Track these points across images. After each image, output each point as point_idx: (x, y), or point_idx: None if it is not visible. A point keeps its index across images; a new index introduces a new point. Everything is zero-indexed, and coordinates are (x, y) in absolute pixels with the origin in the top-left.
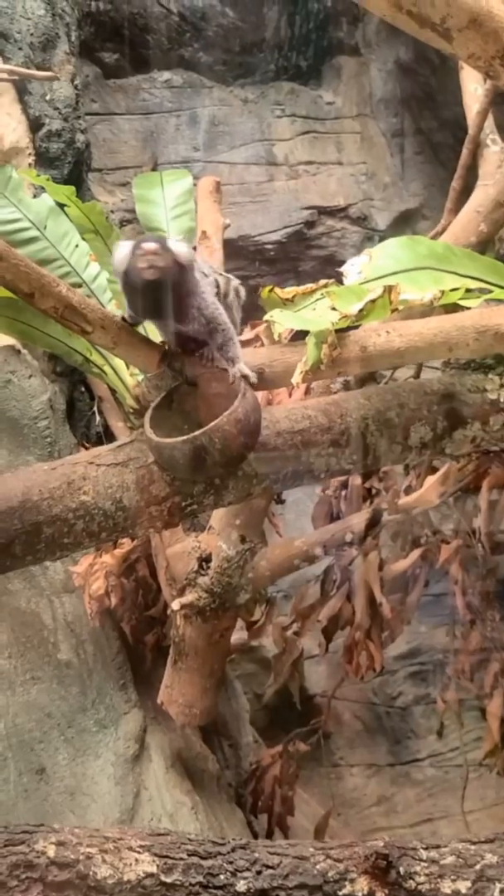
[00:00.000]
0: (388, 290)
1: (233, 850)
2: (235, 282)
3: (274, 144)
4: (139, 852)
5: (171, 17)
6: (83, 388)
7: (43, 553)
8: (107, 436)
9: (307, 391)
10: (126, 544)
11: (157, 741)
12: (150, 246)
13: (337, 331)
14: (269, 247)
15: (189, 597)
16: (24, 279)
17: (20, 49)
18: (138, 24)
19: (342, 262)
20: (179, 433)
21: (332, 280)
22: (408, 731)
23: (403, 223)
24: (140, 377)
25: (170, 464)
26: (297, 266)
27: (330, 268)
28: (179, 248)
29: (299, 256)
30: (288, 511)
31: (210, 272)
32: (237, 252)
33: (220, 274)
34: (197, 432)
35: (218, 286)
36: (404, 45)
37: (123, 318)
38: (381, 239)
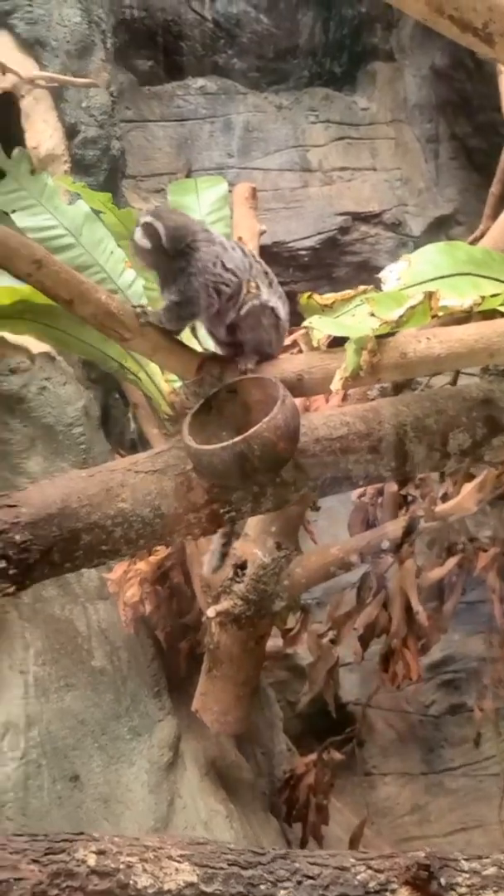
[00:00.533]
0: (428, 296)
1: (273, 860)
2: (273, 301)
3: (308, 150)
4: (179, 861)
5: (205, 24)
6: (117, 395)
7: (81, 560)
8: (141, 442)
9: (344, 398)
10: (160, 551)
11: (192, 749)
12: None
13: (376, 337)
14: (303, 253)
15: (224, 604)
16: (63, 286)
17: (56, 57)
18: (172, 31)
19: (376, 269)
20: (218, 440)
21: (370, 286)
22: (441, 739)
23: (438, 229)
24: (175, 384)
25: (208, 471)
26: (330, 272)
27: (364, 274)
28: (137, 234)
29: (333, 263)
30: (321, 518)
31: (243, 265)
32: (271, 258)
33: (268, 287)
34: (236, 439)
35: (236, 287)
36: (439, 50)
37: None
38: (416, 245)
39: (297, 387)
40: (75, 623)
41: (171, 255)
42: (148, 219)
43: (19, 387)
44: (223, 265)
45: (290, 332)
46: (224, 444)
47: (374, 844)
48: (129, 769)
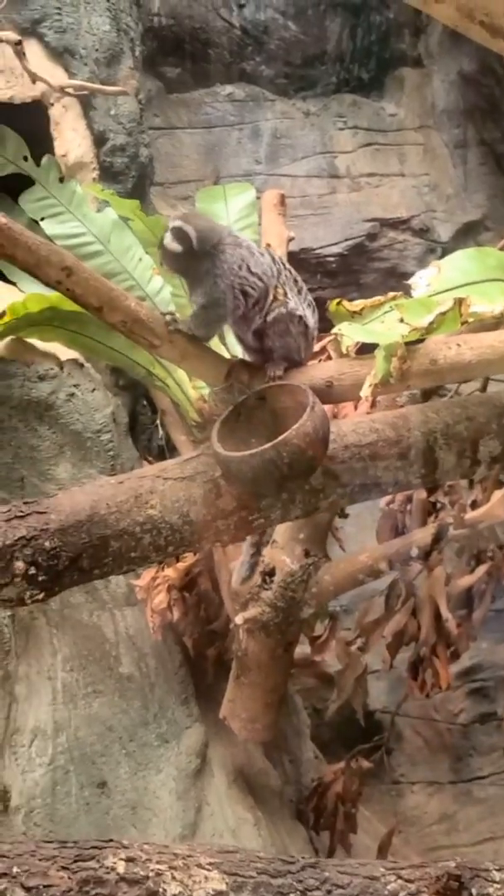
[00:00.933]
0: (459, 302)
1: (302, 868)
2: (301, 310)
3: (336, 157)
4: (208, 870)
5: (232, 31)
6: (145, 402)
7: (110, 567)
8: (168, 449)
9: (373, 405)
10: (188, 558)
11: (219, 756)
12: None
13: (406, 344)
14: (331, 259)
15: (252, 611)
16: (93, 293)
17: (85, 65)
18: (200, 38)
19: (404, 275)
20: (246, 447)
21: (400, 293)
22: (469, 748)
23: (466, 235)
24: (203, 390)
25: (238, 478)
26: (358, 279)
27: (392, 280)
28: (167, 238)
29: (361, 269)
30: (348, 524)
31: (270, 271)
32: (299, 265)
33: (297, 292)
34: (265, 446)
35: (262, 292)
36: (467, 56)
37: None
38: (444, 251)
39: (327, 393)
40: (103, 629)
41: (199, 257)
42: (178, 223)
43: (48, 393)
44: (249, 268)
45: (319, 339)
46: (253, 451)
47: (401, 853)
48: (157, 776)
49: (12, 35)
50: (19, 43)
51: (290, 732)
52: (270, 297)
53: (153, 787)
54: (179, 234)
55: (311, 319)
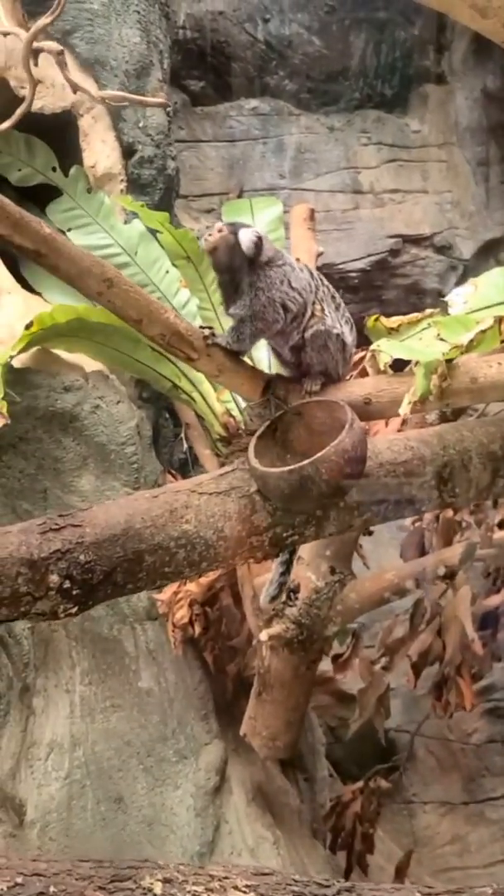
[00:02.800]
0: (499, 320)
1: (338, 892)
2: (339, 327)
3: (360, 172)
4: (245, 892)
5: (257, 45)
6: (168, 415)
7: (144, 582)
8: (191, 463)
9: (403, 422)
10: (211, 573)
11: (238, 773)
12: (217, 225)
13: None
14: (354, 275)
15: (276, 628)
16: (133, 305)
17: (116, 76)
18: (225, 52)
19: (425, 292)
20: (282, 463)
21: (437, 309)
22: (482, 768)
23: (487, 252)
24: (229, 404)
25: (274, 494)
26: (380, 295)
27: (413, 297)
28: (245, 235)
29: (383, 285)
30: (366, 541)
31: (309, 287)
32: None
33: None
34: (304, 462)
35: (301, 307)
36: (491, 73)
37: (227, 345)
38: (465, 268)
39: (365, 410)
40: (123, 643)
41: (250, 269)
42: (261, 232)
43: (73, 405)
44: (290, 283)
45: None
46: (291, 467)
47: (414, 874)
48: (175, 792)
49: (55, 45)
50: (61, 53)
51: (305, 750)
52: (309, 312)
53: (171, 803)
54: (257, 243)
55: (349, 336)
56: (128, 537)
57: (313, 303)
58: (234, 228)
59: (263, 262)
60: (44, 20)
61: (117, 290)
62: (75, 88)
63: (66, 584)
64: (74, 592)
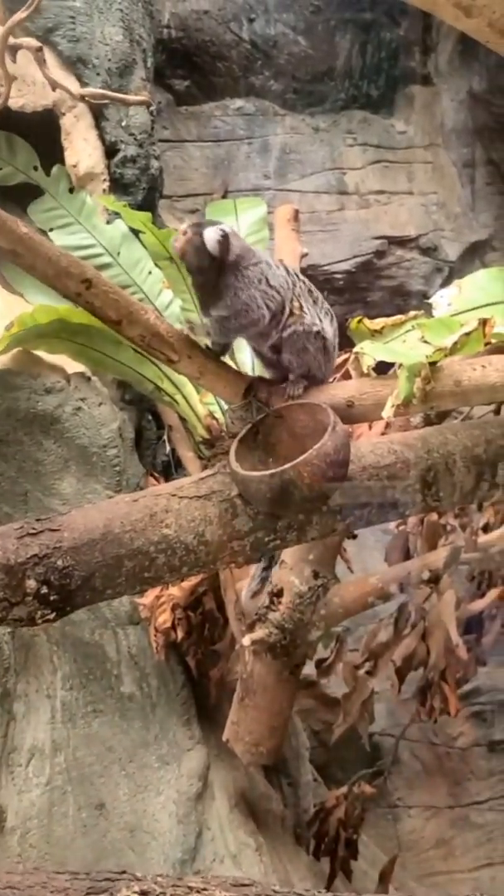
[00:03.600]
0: (483, 322)
1: None
2: (319, 324)
3: (345, 173)
4: None
5: (242, 45)
6: (150, 417)
7: (123, 587)
8: (174, 465)
9: (387, 425)
10: (193, 577)
11: (221, 779)
12: (182, 227)
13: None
14: (339, 276)
15: (259, 632)
16: (112, 306)
17: (98, 75)
18: (210, 51)
19: (411, 293)
20: (264, 466)
21: (421, 311)
22: (468, 772)
23: (473, 254)
24: (212, 406)
25: (255, 498)
26: (365, 296)
27: (398, 298)
28: (209, 235)
29: (368, 287)
30: (349, 545)
31: (286, 283)
32: None
33: (313, 305)
34: (285, 466)
35: (279, 305)
36: (477, 75)
37: (207, 347)
38: (451, 270)
39: (348, 414)
40: (105, 648)
41: (225, 269)
42: (226, 228)
43: (54, 407)
44: (268, 282)
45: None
46: (273, 470)
47: (399, 879)
48: (157, 798)
49: (33, 42)
50: (40, 50)
51: (289, 755)
52: (287, 310)
53: (153, 809)
54: (222, 241)
55: (330, 330)
56: (107, 542)
57: (291, 300)
58: (200, 229)
59: (234, 261)
60: (19, 15)
61: (96, 290)
62: (54, 86)
63: (44, 590)
64: (52, 598)
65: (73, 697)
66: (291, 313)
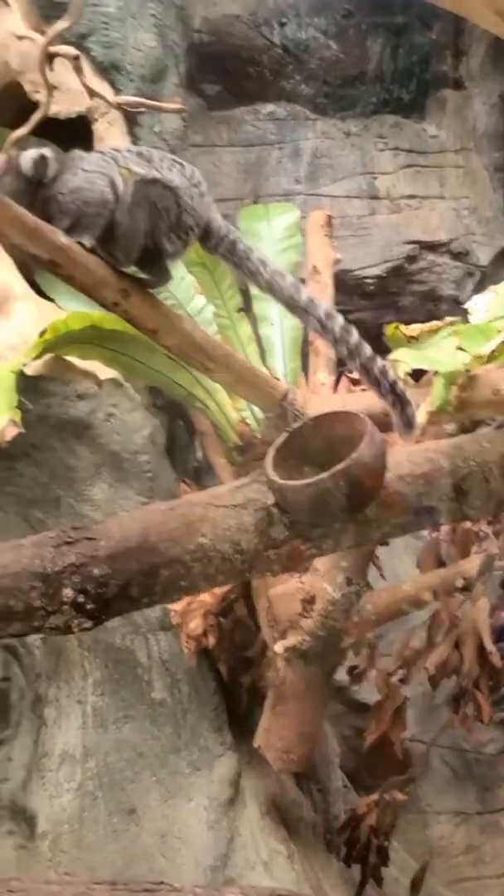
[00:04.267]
0: None
1: None
2: (156, 174)
3: (376, 178)
4: None
5: (273, 50)
6: (181, 423)
7: (159, 596)
8: (205, 471)
9: (422, 433)
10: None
11: (252, 786)
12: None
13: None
14: (369, 281)
15: (292, 639)
16: (149, 315)
17: (131, 81)
18: (241, 56)
19: (442, 298)
20: (300, 475)
21: (457, 318)
22: (497, 778)
23: None
24: (245, 413)
25: (292, 507)
26: (396, 301)
27: (429, 303)
28: (24, 158)
29: (399, 291)
30: (380, 551)
31: (104, 161)
32: (337, 286)
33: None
34: (322, 475)
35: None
36: None
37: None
38: (483, 275)
39: (384, 422)
40: (136, 654)
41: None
42: (46, 153)
43: (86, 413)
44: (85, 170)
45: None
46: (310, 480)
47: (428, 885)
48: (188, 804)
49: (71, 50)
50: (77, 58)
51: (319, 761)
52: (119, 183)
53: (184, 815)
54: (38, 161)
55: (176, 179)
56: (143, 551)
57: (119, 172)
58: (17, 155)
59: (54, 176)
60: (60, 24)
61: (133, 299)
62: (91, 94)
63: (81, 599)
64: (88, 607)
65: (104, 703)
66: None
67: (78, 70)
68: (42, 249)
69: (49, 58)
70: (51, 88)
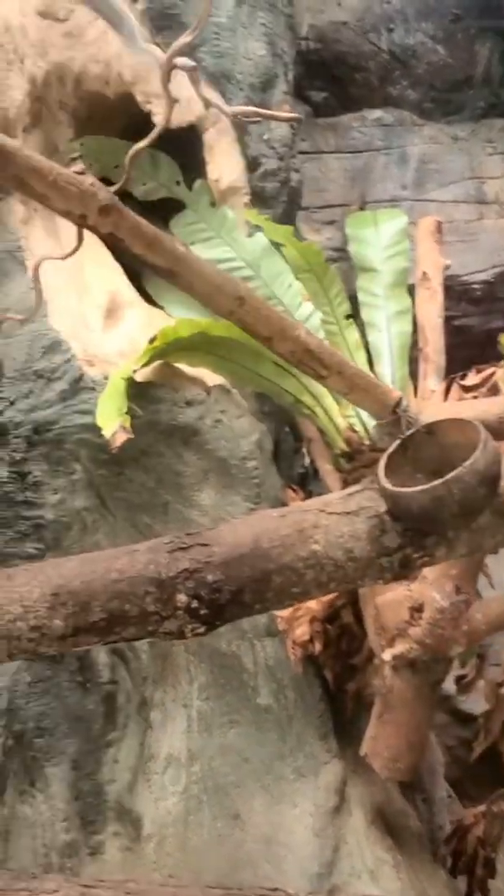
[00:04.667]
0: None
1: None
2: None
3: (484, 182)
4: None
5: (380, 55)
6: (287, 429)
7: (271, 602)
8: (311, 477)
9: None
10: None
11: (358, 794)
12: None
13: None
14: (476, 287)
15: (399, 647)
16: (264, 323)
17: (241, 90)
18: (348, 62)
19: None
20: (412, 482)
21: None
22: None
23: None
24: (352, 419)
25: (405, 514)
26: None
27: None
28: None
29: None
30: (489, 560)
31: None
32: (443, 291)
33: None
34: (436, 482)
35: None
36: None
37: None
38: None
39: (499, 430)
40: (242, 659)
41: None
42: None
43: (195, 419)
44: None
45: (478, 371)
46: (423, 487)
47: None
48: (293, 811)
49: (188, 62)
50: (195, 69)
51: (424, 770)
52: None
53: (288, 822)
54: None
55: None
56: (256, 557)
57: None
58: None
59: None
60: (184, 38)
61: (249, 307)
62: (208, 105)
63: (194, 604)
64: (202, 612)
65: (210, 708)
66: None
67: (195, 82)
68: (161, 259)
69: (169, 70)
70: (172, 103)
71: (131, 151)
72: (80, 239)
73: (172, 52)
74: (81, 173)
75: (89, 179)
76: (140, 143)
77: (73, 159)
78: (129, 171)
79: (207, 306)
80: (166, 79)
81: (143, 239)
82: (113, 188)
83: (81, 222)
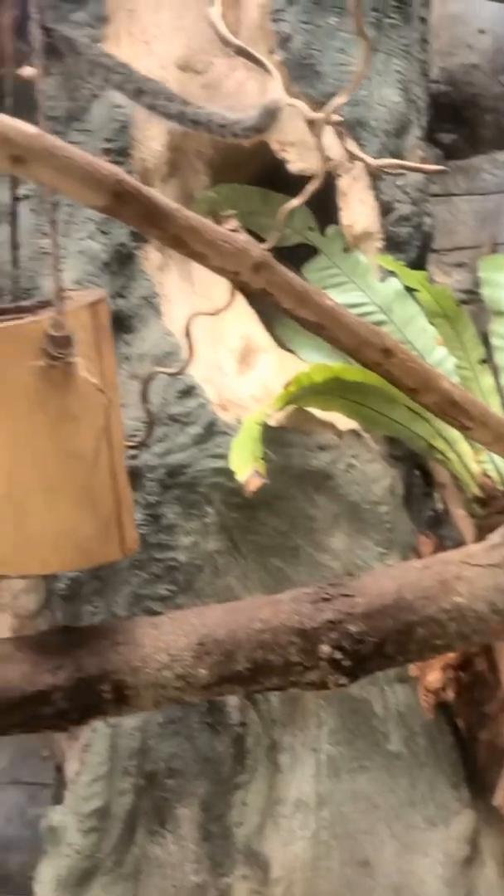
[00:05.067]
0: None
1: None
2: None
3: None
4: None
5: None
6: (418, 473)
7: (414, 654)
8: (443, 522)
9: None
10: None
11: (490, 845)
12: None
13: None
14: None
15: None
16: (410, 374)
17: (375, 137)
18: (479, 104)
19: None
20: None
21: None
22: None
23: None
24: (487, 465)
25: None
26: None
27: None
28: None
29: None
30: None
31: None
32: None
33: None
34: None
35: None
36: None
37: None
38: None
39: None
40: (372, 704)
41: None
42: None
43: (327, 463)
44: None
45: None
46: None
47: None
48: (424, 860)
49: (335, 117)
50: (341, 123)
51: None
52: None
53: (419, 871)
54: None
55: None
56: (399, 609)
57: None
58: None
59: None
60: (340, 99)
61: (395, 359)
62: (353, 157)
63: (337, 655)
64: (345, 664)
65: (339, 752)
66: None
67: (340, 136)
68: (309, 312)
69: (311, 123)
70: (326, 161)
71: (285, 208)
72: (232, 294)
73: (329, 110)
74: (235, 230)
75: (243, 237)
76: (294, 201)
77: (227, 217)
78: (280, 227)
79: (354, 358)
80: (319, 136)
81: (293, 294)
82: (265, 245)
83: (234, 278)
